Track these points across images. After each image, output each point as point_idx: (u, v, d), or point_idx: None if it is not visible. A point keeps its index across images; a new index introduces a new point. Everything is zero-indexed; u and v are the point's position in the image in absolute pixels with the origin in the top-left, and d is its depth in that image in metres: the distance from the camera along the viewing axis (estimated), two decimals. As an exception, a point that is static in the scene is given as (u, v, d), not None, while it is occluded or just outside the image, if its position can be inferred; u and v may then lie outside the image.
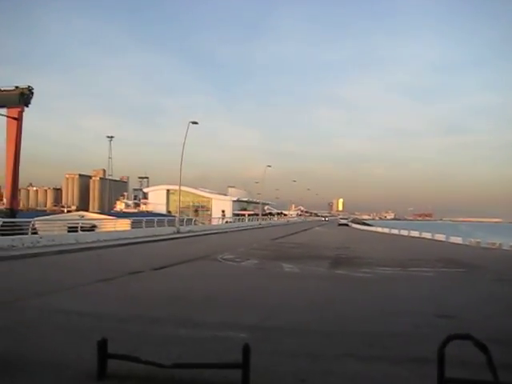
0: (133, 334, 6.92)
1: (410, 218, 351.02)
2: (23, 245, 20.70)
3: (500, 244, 34.49)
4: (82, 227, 28.50)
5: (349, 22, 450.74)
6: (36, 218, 33.70)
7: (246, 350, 4.57)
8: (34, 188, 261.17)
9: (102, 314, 8.41)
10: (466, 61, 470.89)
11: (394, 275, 16.15)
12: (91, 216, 61.65)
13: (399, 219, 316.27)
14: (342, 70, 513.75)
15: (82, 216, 56.53)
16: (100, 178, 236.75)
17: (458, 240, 39.97)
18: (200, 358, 5.27)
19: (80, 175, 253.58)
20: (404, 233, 54.05)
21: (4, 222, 22.11)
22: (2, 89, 32.77)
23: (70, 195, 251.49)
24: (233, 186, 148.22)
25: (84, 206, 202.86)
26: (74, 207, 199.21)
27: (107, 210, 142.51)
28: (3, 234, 21.05)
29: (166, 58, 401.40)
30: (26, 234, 23.02)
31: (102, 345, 4.82)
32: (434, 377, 4.33)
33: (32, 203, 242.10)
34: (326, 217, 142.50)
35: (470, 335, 4.33)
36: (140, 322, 7.87)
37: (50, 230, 29.86)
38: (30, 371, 5.15)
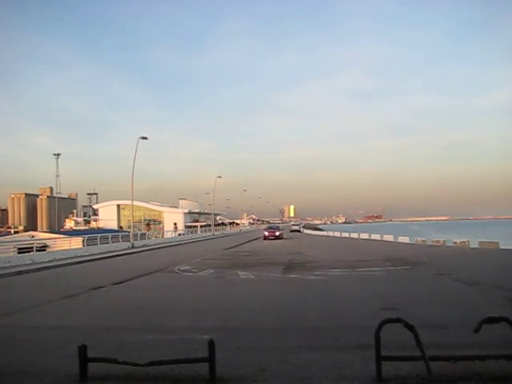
0: (105, 342, 7.36)
1: (361, 221, 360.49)
2: (-22, 268, 20.48)
3: (444, 241, 36.58)
4: (32, 247, 28.35)
5: (292, 33, 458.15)
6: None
7: (211, 345, 5.27)
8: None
9: (73, 327, 8.87)
10: (408, 64, 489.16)
11: (344, 276, 17.11)
12: (42, 236, 60.18)
13: (350, 222, 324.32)
14: (287, 78, 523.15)
15: (33, 236, 55.42)
16: (47, 197, 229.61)
17: (405, 240, 41.92)
18: (171, 358, 5.69)
19: (26, 194, 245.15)
20: (354, 236, 55.60)
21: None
22: None
23: (17, 215, 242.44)
24: (184, 198, 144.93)
25: (32, 225, 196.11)
26: (21, 227, 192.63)
27: (57, 228, 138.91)
28: None
29: (112, 71, 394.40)
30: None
31: (82, 350, 5.40)
32: (374, 358, 5.19)
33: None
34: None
35: (400, 318, 5.21)
36: (110, 332, 8.40)
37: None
38: (17, 380, 5.66)
